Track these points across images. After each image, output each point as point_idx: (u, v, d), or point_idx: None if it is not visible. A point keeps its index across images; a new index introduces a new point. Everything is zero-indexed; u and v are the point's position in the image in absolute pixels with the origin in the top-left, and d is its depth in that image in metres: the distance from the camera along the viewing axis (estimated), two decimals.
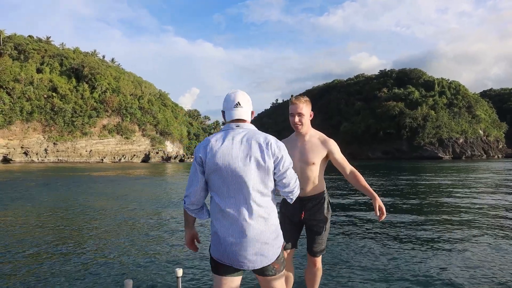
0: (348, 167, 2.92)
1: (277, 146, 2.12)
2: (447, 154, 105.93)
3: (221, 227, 2.09)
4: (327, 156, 2.96)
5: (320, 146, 2.94)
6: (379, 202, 2.69)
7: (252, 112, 2.26)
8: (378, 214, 2.68)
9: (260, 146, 2.08)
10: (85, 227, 8.55)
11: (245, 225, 2.05)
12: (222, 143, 2.09)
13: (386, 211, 2.72)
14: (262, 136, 2.13)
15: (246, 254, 2.07)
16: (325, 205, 3.01)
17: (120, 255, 6.08)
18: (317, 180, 2.95)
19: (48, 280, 4.94)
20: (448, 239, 7.12)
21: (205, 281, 4.84)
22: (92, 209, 11.50)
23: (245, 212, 2.05)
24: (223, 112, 2.25)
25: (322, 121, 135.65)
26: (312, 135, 3.01)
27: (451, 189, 17.28)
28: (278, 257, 2.18)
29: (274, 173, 2.12)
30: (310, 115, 3.00)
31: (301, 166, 2.90)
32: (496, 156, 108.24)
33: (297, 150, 2.95)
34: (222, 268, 2.14)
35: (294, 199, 2.27)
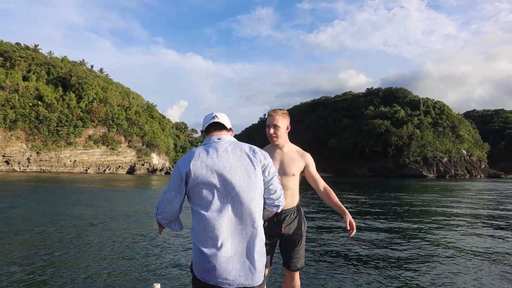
0: (322, 183, 2.97)
1: (262, 153, 2.12)
2: (432, 172, 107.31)
3: (212, 242, 1.92)
4: (303, 170, 3.01)
5: (299, 158, 2.99)
6: (349, 218, 2.72)
7: (231, 130, 2.23)
8: (348, 229, 2.70)
9: (247, 155, 2.05)
10: (56, 242, 8.31)
11: (244, 236, 1.95)
12: (207, 155, 2.02)
13: (358, 229, 2.73)
14: (246, 145, 2.12)
15: (241, 268, 1.91)
16: (302, 217, 3.04)
17: (95, 270, 5.92)
18: (295, 192, 2.99)
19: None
20: (420, 257, 7.14)
21: None
22: (65, 223, 11.22)
23: (241, 223, 1.95)
24: (202, 131, 2.22)
25: (309, 136, 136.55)
26: (290, 149, 3.05)
27: (431, 208, 17.43)
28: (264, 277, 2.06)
29: (262, 180, 2.07)
30: (287, 128, 3.02)
31: (282, 177, 2.89)
32: (478, 176, 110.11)
33: (276, 162, 2.96)
34: None
35: (281, 206, 2.22)
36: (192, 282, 2.05)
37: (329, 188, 2.93)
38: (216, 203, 1.95)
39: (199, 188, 1.98)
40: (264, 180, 2.08)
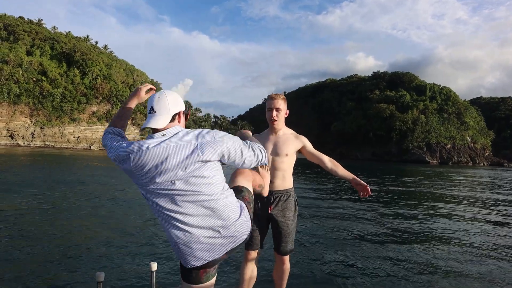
0: (325, 157, 2.99)
1: None
2: (435, 159, 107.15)
3: None
4: (299, 151, 3.05)
5: (294, 139, 3.03)
6: (357, 180, 2.76)
7: (180, 114, 1.90)
8: (361, 192, 2.73)
9: None
10: (57, 220, 8.36)
11: None
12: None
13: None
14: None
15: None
16: (293, 203, 3.03)
17: (93, 248, 5.95)
18: (287, 174, 2.99)
19: (19, 275, 4.80)
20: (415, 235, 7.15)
21: (179, 275, 4.76)
22: (65, 201, 11.31)
23: None
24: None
25: (314, 119, 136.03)
26: (285, 132, 3.09)
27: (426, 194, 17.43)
28: None
29: None
30: (286, 113, 3.05)
31: (274, 158, 2.95)
32: (481, 164, 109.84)
33: (270, 143, 3.01)
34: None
35: None
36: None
37: (334, 160, 2.96)
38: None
39: None
40: None
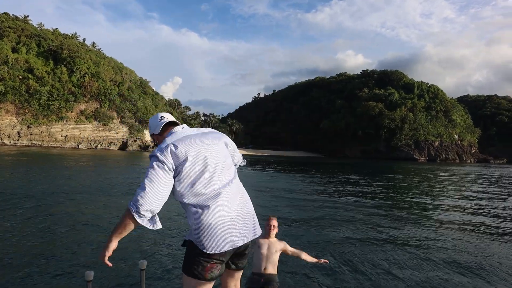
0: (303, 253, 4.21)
1: None
2: (423, 156, 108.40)
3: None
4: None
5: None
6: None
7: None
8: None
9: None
10: (44, 220, 8.30)
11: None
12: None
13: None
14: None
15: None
16: None
17: (82, 248, 5.93)
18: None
19: (7, 275, 4.77)
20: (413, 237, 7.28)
21: (169, 272, 4.77)
22: (53, 199, 11.22)
23: None
24: (154, 135, 2.54)
25: (303, 117, 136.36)
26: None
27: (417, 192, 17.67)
28: None
29: None
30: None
31: None
32: (468, 161, 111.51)
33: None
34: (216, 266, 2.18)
35: None
36: (200, 265, 2.18)
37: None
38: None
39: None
40: None
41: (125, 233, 2.11)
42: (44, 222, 7.62)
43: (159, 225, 2.14)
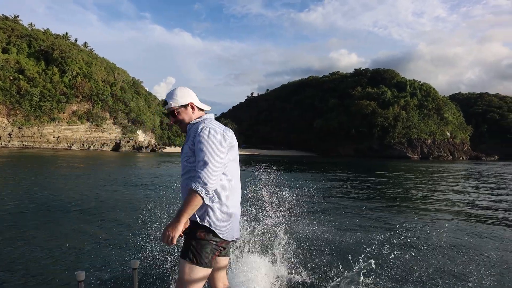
0: None
1: None
2: (416, 154, 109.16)
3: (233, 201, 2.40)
4: None
5: None
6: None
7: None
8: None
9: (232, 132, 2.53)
10: (35, 220, 8.25)
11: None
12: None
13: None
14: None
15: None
16: None
17: (73, 248, 5.90)
18: None
19: None
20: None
21: (162, 271, 4.77)
22: (46, 199, 11.14)
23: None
24: (191, 105, 2.54)
25: (296, 116, 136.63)
26: None
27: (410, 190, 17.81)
28: None
29: None
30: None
31: None
32: (461, 158, 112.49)
33: None
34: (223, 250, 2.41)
35: None
36: (212, 250, 2.31)
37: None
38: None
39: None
40: None
41: (192, 214, 2.21)
42: (36, 222, 7.58)
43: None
